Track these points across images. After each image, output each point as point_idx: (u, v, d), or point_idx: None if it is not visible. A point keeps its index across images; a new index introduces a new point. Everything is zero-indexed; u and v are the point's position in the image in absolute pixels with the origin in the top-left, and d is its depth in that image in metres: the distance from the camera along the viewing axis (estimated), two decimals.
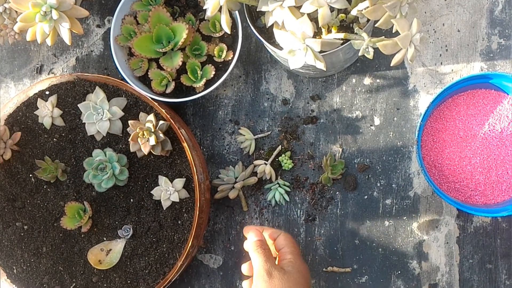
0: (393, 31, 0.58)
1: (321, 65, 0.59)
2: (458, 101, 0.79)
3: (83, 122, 0.78)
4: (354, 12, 0.60)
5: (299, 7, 0.57)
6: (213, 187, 0.82)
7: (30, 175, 0.79)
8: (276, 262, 0.70)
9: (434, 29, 0.82)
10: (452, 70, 0.82)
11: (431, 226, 0.80)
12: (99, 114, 0.77)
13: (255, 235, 0.71)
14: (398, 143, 0.82)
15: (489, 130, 0.78)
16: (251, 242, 0.70)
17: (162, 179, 0.76)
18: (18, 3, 0.66)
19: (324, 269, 0.81)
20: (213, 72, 0.78)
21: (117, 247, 0.77)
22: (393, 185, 0.81)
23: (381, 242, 0.81)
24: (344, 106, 0.83)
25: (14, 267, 0.79)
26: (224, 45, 0.79)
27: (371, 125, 0.82)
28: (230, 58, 0.78)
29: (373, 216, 0.81)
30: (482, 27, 0.82)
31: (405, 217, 0.81)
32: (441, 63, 0.82)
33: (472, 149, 0.78)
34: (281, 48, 0.62)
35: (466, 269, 0.80)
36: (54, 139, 0.79)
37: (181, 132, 0.76)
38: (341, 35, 0.62)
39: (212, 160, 0.84)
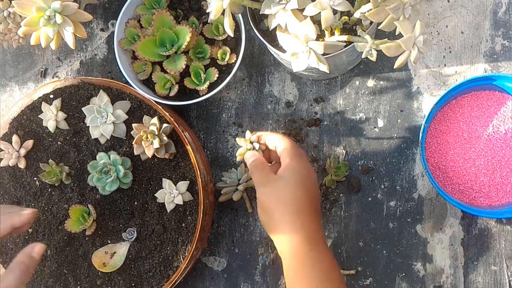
0: (396, 33, 0.58)
1: (324, 68, 0.59)
2: (462, 102, 0.79)
3: (87, 125, 0.79)
4: (357, 15, 0.60)
5: (302, 10, 0.57)
6: (217, 190, 0.82)
7: (35, 178, 0.80)
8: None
9: (437, 31, 0.82)
10: (456, 71, 0.81)
11: (436, 228, 0.80)
12: (103, 118, 0.78)
13: (252, 155, 0.69)
14: (402, 145, 0.81)
15: (493, 132, 0.78)
16: (248, 164, 0.69)
17: (166, 182, 0.76)
18: (22, 8, 0.66)
19: None
20: (217, 75, 0.78)
21: (121, 250, 0.77)
22: (397, 187, 0.81)
23: (385, 244, 0.81)
24: (348, 108, 0.83)
25: None
26: (228, 48, 0.79)
27: (374, 127, 0.82)
28: (233, 61, 0.78)
29: (377, 218, 0.81)
30: (485, 28, 0.81)
31: (409, 219, 0.81)
32: (445, 65, 0.82)
33: (476, 151, 0.78)
34: (284, 51, 0.62)
35: (471, 271, 0.79)
36: (59, 143, 0.80)
37: (184, 135, 0.76)
38: (344, 37, 0.62)
39: (216, 163, 0.85)
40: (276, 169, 0.67)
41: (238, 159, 0.71)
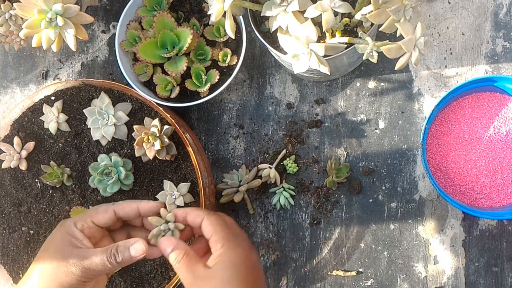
0: (397, 35, 0.58)
1: (325, 69, 0.59)
2: (463, 104, 0.79)
3: (88, 127, 0.79)
4: (358, 17, 0.60)
5: (303, 12, 0.57)
6: (218, 191, 0.82)
7: (36, 180, 0.80)
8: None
9: (438, 33, 0.82)
10: (457, 73, 0.81)
11: (437, 229, 0.80)
12: (104, 119, 0.78)
13: (169, 243, 0.57)
14: (403, 146, 0.81)
15: (494, 133, 0.78)
16: (166, 255, 0.57)
17: (167, 184, 0.76)
18: (23, 10, 0.66)
19: (329, 273, 0.81)
20: (218, 77, 0.78)
21: None
22: (398, 189, 0.81)
23: (386, 245, 0.81)
24: (349, 110, 0.83)
25: (20, 271, 0.79)
26: (229, 50, 0.79)
27: (375, 129, 0.82)
28: (234, 63, 0.78)
29: (378, 220, 0.81)
30: (486, 30, 0.81)
31: (410, 221, 0.81)
32: (446, 66, 0.82)
33: (477, 152, 0.78)
34: (285, 53, 0.62)
35: (472, 272, 0.79)
36: (60, 144, 0.80)
37: (186, 136, 0.76)
38: (345, 39, 0.62)
39: (217, 165, 0.85)
40: (206, 258, 0.56)
41: (151, 241, 0.59)
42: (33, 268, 0.58)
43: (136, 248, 0.56)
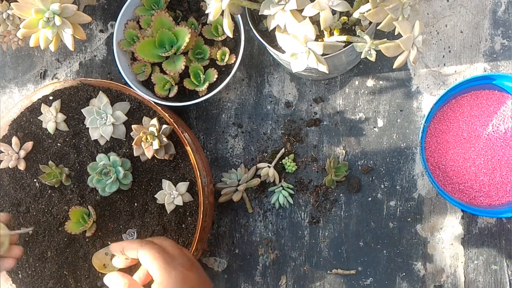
0: (396, 33, 0.58)
1: (323, 68, 0.59)
2: (462, 102, 0.79)
3: (86, 126, 0.79)
4: (356, 15, 0.60)
5: (301, 11, 0.57)
6: (217, 190, 0.82)
7: (35, 180, 0.80)
8: None
9: (436, 31, 0.82)
10: (455, 71, 0.81)
11: (436, 227, 0.80)
12: (102, 119, 0.77)
13: (113, 281, 0.61)
14: (402, 145, 0.81)
15: (493, 131, 0.78)
16: None
17: (166, 183, 0.76)
18: (21, 10, 0.66)
19: (328, 272, 0.81)
20: (216, 76, 0.78)
21: None
22: (397, 187, 0.81)
23: (385, 244, 0.81)
24: (347, 108, 0.83)
25: (19, 271, 0.79)
26: (227, 48, 0.79)
27: (374, 127, 0.82)
28: (232, 62, 0.78)
29: (377, 218, 0.81)
30: (485, 28, 0.81)
31: (409, 219, 0.81)
32: (444, 64, 0.82)
33: (476, 150, 0.78)
34: (283, 51, 0.62)
35: (471, 270, 0.79)
36: (58, 144, 0.80)
37: (184, 135, 0.76)
38: (343, 37, 0.62)
39: (215, 164, 0.85)
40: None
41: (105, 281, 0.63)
42: None
43: None
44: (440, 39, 0.82)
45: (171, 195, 0.76)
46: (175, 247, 0.63)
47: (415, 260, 0.80)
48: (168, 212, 0.76)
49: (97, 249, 0.77)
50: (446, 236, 0.80)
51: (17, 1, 0.66)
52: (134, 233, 0.77)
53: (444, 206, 0.80)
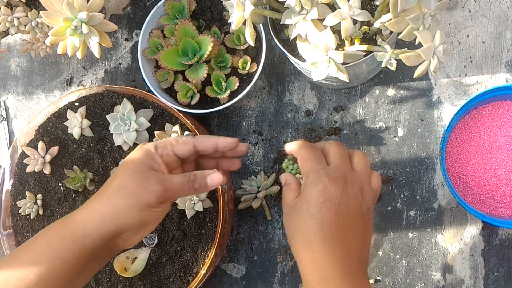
0: (416, 43, 0.58)
1: (343, 77, 0.59)
2: (483, 112, 0.79)
3: (111, 132, 0.80)
4: (377, 25, 0.61)
5: (322, 20, 0.58)
6: (236, 197, 0.82)
7: (59, 184, 0.81)
8: None
9: (458, 41, 0.82)
10: (477, 81, 0.81)
11: (456, 238, 0.80)
12: (126, 125, 0.79)
13: (283, 177, 0.63)
14: (422, 155, 0.81)
15: None
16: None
17: None
18: (49, 18, 0.68)
19: None
20: (237, 84, 0.79)
21: (142, 255, 0.78)
22: (417, 197, 0.81)
23: (404, 254, 0.80)
24: (368, 117, 0.83)
25: None
26: (248, 57, 0.80)
27: (394, 136, 0.82)
28: (254, 70, 0.79)
29: (397, 228, 0.81)
30: (507, 38, 0.81)
31: (429, 229, 0.80)
32: (466, 74, 0.81)
33: (497, 161, 0.77)
34: (304, 60, 0.63)
35: (491, 282, 0.78)
36: (83, 149, 0.81)
37: None
38: (364, 47, 0.63)
39: (235, 171, 0.85)
40: None
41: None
42: (109, 184, 0.58)
43: (213, 178, 0.59)
44: (462, 49, 0.82)
45: (191, 200, 0.76)
46: (342, 152, 0.62)
47: (435, 271, 0.80)
48: (188, 218, 0.77)
49: (118, 252, 0.79)
50: (466, 247, 0.79)
51: (46, 10, 0.68)
52: (155, 237, 0.78)
53: (464, 216, 0.80)
